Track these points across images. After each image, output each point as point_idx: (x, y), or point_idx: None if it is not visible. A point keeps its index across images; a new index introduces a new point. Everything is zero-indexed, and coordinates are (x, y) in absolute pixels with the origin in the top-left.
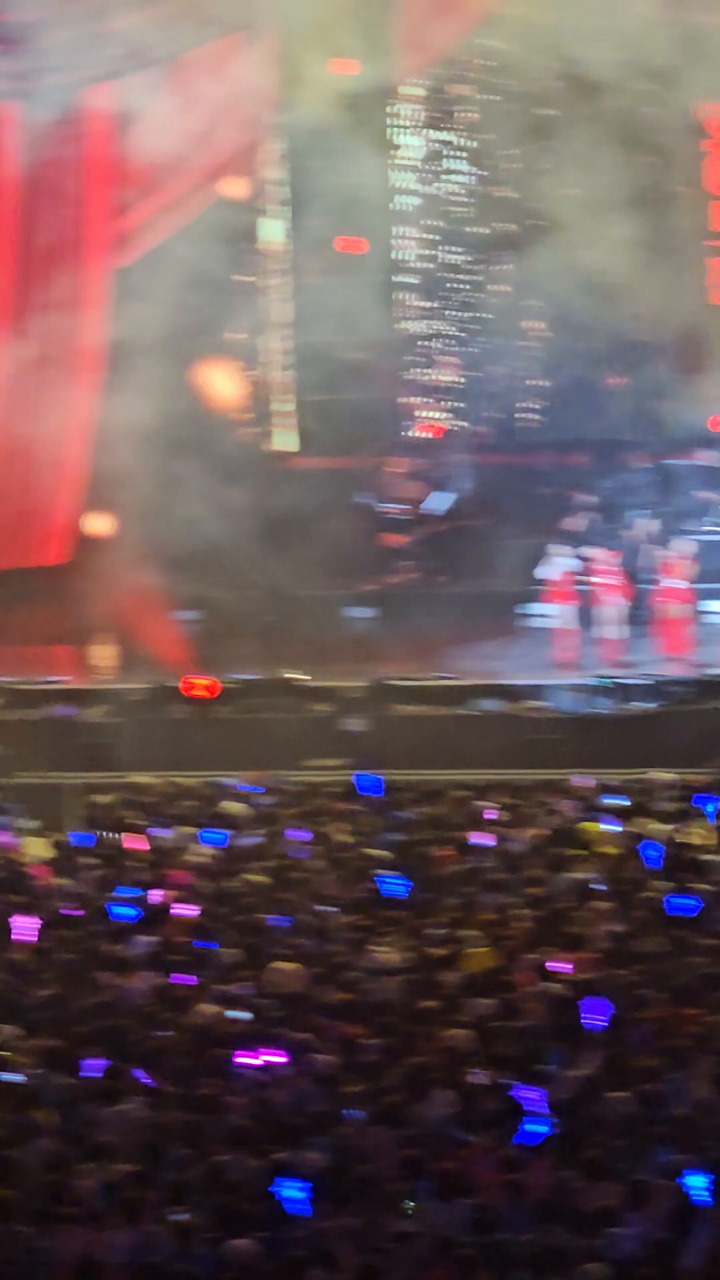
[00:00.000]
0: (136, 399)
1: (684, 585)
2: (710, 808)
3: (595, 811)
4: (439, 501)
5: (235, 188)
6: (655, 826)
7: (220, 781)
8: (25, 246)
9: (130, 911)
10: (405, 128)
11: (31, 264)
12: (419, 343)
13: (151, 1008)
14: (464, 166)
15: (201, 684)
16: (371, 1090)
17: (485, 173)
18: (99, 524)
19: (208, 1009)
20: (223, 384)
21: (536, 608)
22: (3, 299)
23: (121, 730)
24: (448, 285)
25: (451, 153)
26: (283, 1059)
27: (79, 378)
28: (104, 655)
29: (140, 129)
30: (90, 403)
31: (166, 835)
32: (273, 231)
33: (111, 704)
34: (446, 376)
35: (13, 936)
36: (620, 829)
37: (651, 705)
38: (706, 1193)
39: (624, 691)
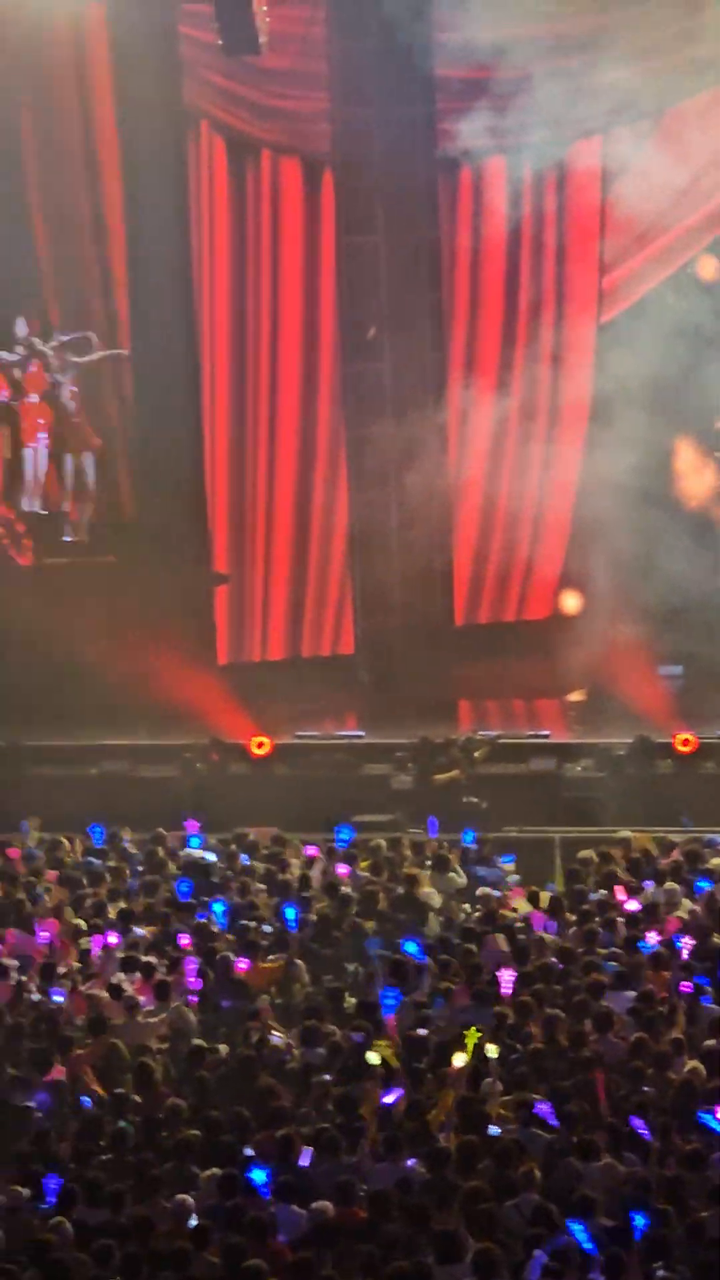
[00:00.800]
0: (618, 454)
1: None
2: None
3: None
4: None
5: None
6: None
7: (708, 838)
8: (510, 301)
9: (613, 966)
10: None
11: (516, 319)
12: None
13: (634, 1063)
14: None
15: (683, 739)
16: None
17: None
18: (573, 601)
19: (691, 1064)
20: (698, 477)
21: None
22: (489, 354)
23: (605, 785)
24: None
25: None
26: None
27: (562, 433)
28: (584, 708)
29: (626, 182)
30: (573, 458)
31: (651, 890)
32: None
33: (594, 758)
34: None
35: (497, 989)
36: None
37: None
38: None
39: None
